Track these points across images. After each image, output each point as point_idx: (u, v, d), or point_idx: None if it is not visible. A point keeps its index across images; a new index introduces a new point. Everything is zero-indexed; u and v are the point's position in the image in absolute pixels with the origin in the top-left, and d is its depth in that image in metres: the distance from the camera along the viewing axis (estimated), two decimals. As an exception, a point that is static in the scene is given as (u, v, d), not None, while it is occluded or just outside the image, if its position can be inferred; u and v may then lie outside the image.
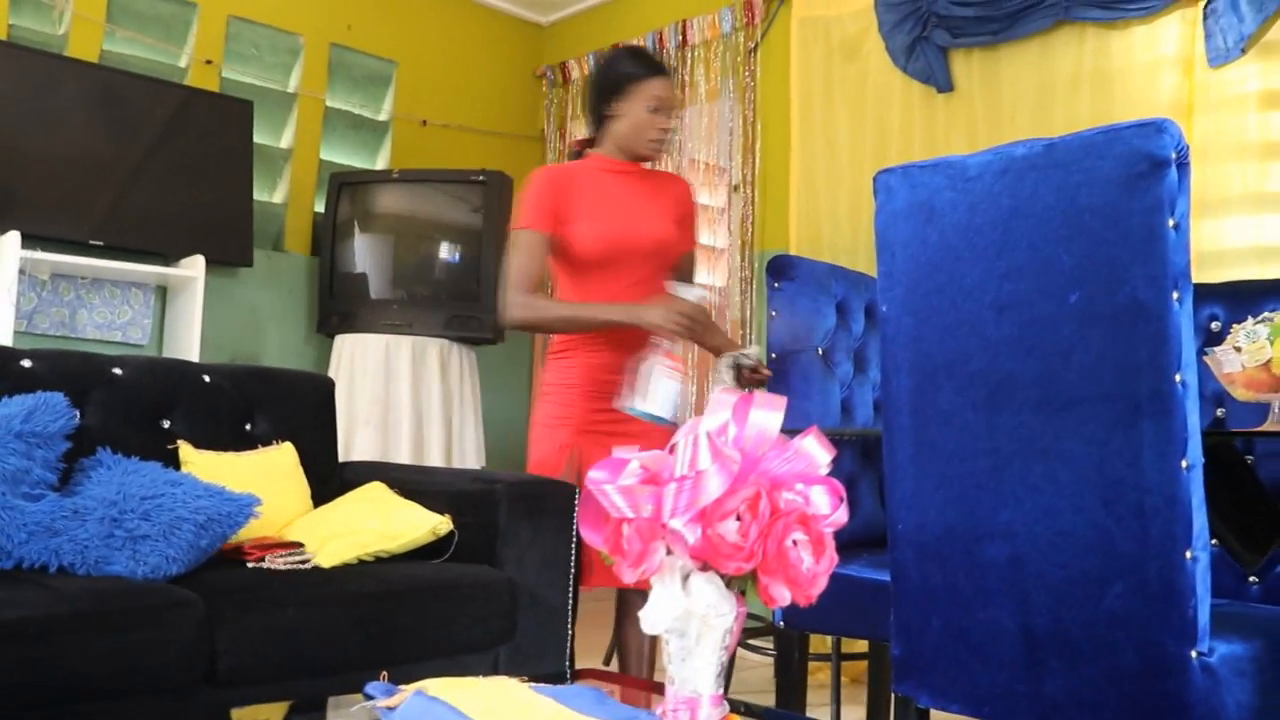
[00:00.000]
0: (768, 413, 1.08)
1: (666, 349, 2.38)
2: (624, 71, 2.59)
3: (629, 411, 2.36)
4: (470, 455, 4.55)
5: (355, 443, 4.34)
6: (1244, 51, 3.13)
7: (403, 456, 4.32)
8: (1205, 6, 3.22)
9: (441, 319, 4.51)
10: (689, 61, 4.85)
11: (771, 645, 2.98)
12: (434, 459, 4.39)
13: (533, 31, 5.77)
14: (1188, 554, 1.52)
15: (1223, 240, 3.22)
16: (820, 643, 3.48)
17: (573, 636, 2.49)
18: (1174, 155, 1.53)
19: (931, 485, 1.79)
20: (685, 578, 1.09)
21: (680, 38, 4.88)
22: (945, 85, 3.83)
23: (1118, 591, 1.58)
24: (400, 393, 4.38)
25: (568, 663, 2.45)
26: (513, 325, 2.54)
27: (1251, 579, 2.03)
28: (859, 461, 2.78)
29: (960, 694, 1.79)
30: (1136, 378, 1.55)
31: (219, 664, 1.98)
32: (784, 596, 1.07)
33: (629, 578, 1.11)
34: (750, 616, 3.64)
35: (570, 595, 2.47)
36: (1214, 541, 2.10)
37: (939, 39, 3.82)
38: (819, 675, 3.68)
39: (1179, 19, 3.32)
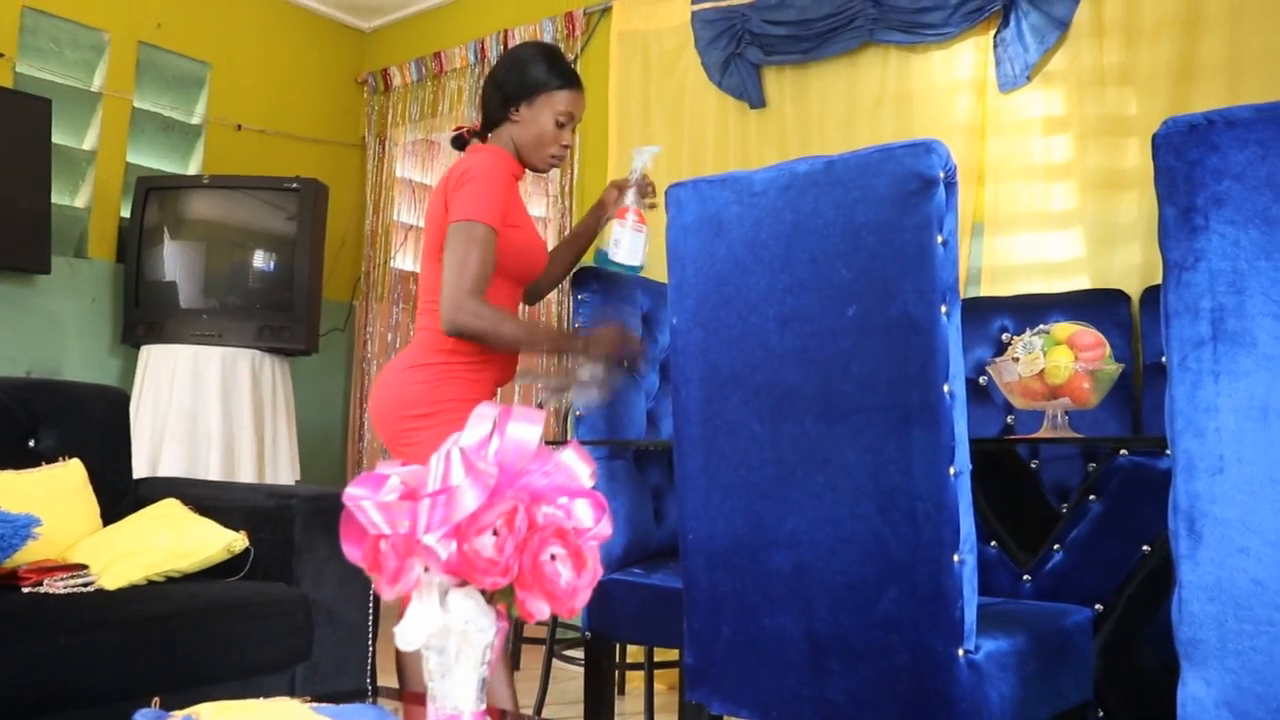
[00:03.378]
0: (526, 426, 1.08)
1: (635, 206, 2.53)
2: (537, 78, 2.37)
3: (609, 264, 2.50)
4: (284, 469, 4.42)
5: (162, 457, 4.17)
6: (1029, 79, 3.31)
7: (213, 471, 4.16)
8: (995, 35, 3.38)
9: (253, 329, 4.36)
10: (510, 71, 4.84)
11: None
12: (246, 473, 4.24)
13: (354, 37, 5.66)
14: (955, 557, 1.58)
15: (1012, 256, 3.39)
16: (639, 652, 3.51)
17: (374, 653, 2.44)
18: (942, 175, 1.59)
19: (720, 495, 1.82)
20: (444, 594, 1.08)
21: (502, 47, 4.86)
22: (758, 101, 3.92)
23: (892, 595, 1.64)
24: (209, 405, 4.21)
25: (369, 680, 2.40)
26: (462, 333, 2.22)
27: (1025, 577, 2.13)
28: (667, 473, 2.81)
29: (749, 699, 1.82)
30: (908, 388, 1.61)
31: (-22, 697, 1.86)
32: (542, 611, 1.07)
33: (388, 595, 1.09)
34: (564, 626, 3.65)
35: (371, 611, 2.42)
36: (993, 543, 2.21)
37: (752, 56, 3.90)
38: (639, 684, 3.70)
39: (972, 46, 3.47)
